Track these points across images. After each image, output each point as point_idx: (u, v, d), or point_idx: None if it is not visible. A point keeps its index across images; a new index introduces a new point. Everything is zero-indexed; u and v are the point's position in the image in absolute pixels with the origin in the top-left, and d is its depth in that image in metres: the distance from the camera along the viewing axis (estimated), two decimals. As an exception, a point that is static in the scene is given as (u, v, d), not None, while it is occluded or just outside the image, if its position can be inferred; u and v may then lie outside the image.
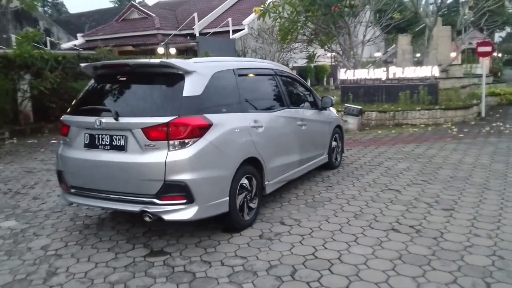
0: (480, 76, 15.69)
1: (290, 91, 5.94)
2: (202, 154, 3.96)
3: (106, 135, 4.11)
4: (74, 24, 36.08)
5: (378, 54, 31.26)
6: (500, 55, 43.10)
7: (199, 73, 4.20)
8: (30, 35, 12.78)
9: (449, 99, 13.64)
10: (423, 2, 16.51)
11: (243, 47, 24.29)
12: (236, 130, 4.43)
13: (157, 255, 4.01)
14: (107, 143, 4.10)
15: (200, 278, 3.53)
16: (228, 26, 24.43)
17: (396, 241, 4.11)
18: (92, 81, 4.64)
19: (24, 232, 4.69)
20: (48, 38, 24.69)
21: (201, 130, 3.99)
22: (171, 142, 3.87)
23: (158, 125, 3.87)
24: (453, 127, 11.39)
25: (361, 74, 13.69)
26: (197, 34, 23.77)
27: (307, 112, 6.09)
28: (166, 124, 3.85)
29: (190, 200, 3.89)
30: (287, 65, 26.21)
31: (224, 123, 4.25)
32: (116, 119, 3.98)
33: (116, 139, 4.06)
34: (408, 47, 19.63)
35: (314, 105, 6.41)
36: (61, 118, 4.53)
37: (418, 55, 27.02)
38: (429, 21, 15.17)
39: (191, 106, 3.99)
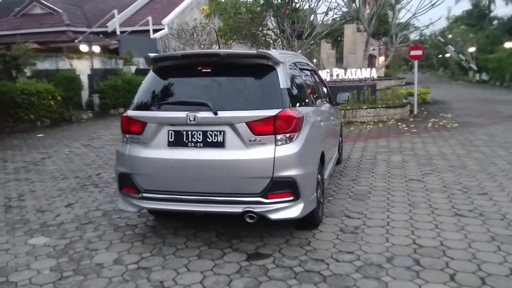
0: (402, 78, 17.04)
1: (321, 86, 5.96)
2: (304, 148, 3.80)
3: (197, 131, 3.72)
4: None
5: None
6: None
7: (285, 65, 4.02)
8: None
9: (381, 99, 14.63)
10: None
11: (164, 47, 23.53)
12: (315, 124, 4.33)
13: (258, 257, 3.75)
14: (200, 140, 3.72)
15: (330, 276, 3.39)
16: (146, 25, 23.44)
17: (473, 225, 4.32)
18: (153, 74, 4.16)
19: (71, 248, 4.07)
20: None
21: (301, 124, 3.82)
22: (278, 136, 3.64)
23: (265, 118, 3.61)
24: (398, 123, 12.25)
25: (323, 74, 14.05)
26: (118, 32, 22.46)
27: (330, 107, 6.13)
28: (274, 117, 3.62)
29: (296, 196, 3.70)
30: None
31: (307, 116, 4.12)
32: (216, 113, 3.63)
33: (211, 135, 3.69)
34: (331, 52, 20.68)
35: (330, 101, 6.47)
36: (128, 114, 3.98)
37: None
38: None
39: (287, 99, 3.80)
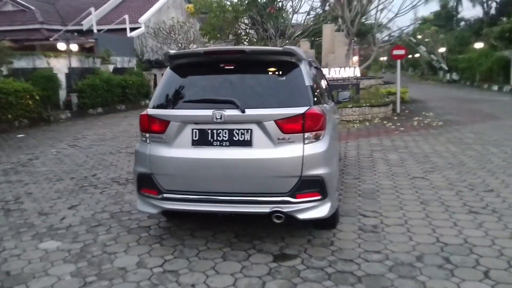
0: (381, 78, 17.23)
1: (326, 84, 5.94)
2: (330, 146, 3.76)
3: (223, 129, 3.62)
4: None
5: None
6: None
7: (306, 62, 3.96)
8: None
9: (363, 97, 14.78)
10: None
11: (141, 46, 23.12)
12: (334, 121, 4.30)
13: (285, 259, 3.68)
14: (226, 139, 3.62)
15: (364, 276, 3.35)
16: (123, 23, 22.96)
17: (490, 221, 4.37)
18: (170, 71, 4.02)
19: (88, 252, 3.90)
20: None
21: (326, 122, 3.77)
22: (306, 134, 3.58)
23: (294, 116, 3.55)
24: (384, 122, 12.40)
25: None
26: (95, 30, 21.90)
27: (334, 105, 6.11)
28: (302, 115, 3.56)
29: (324, 195, 3.65)
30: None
31: (328, 114, 4.08)
32: (243, 111, 3.53)
33: (238, 134, 3.60)
34: (310, 51, 20.75)
35: (332, 99, 6.45)
36: (148, 113, 3.84)
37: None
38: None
39: (312, 97, 3.75)
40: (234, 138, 3.60)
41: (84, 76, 16.83)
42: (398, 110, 14.70)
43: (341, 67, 14.65)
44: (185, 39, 24.24)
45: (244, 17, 13.25)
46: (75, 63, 16.95)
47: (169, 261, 3.68)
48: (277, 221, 3.64)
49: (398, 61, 14.98)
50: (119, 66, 20.38)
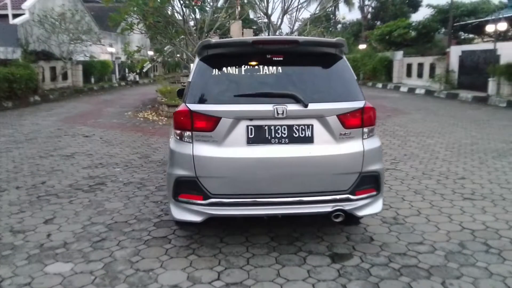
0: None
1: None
2: (380, 141, 3.72)
3: (282, 126, 3.34)
4: None
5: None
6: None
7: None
8: None
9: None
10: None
11: (25, 35, 20.70)
12: None
13: (342, 258, 3.56)
14: (285, 136, 3.35)
15: (431, 268, 3.37)
16: (4, 8, 20.35)
17: (489, 206, 4.74)
18: (202, 63, 3.60)
19: (117, 272, 3.35)
20: None
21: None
22: (364, 129, 3.49)
23: (354, 110, 3.43)
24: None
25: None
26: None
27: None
28: (361, 110, 3.46)
29: (378, 191, 3.60)
30: (70, 59, 23.73)
31: None
32: (306, 106, 3.30)
33: (298, 130, 3.35)
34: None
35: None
36: (191, 109, 3.36)
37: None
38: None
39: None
40: (294, 134, 3.35)
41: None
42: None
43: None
44: (80, 28, 22.35)
45: (167, 8, 12.55)
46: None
47: (222, 272, 3.31)
48: (337, 220, 3.49)
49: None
50: (2, 57, 18.01)
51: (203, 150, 3.33)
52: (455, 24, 23.82)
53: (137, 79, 33.05)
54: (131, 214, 4.62)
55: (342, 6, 49.53)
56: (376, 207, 3.60)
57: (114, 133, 10.22)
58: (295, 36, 3.85)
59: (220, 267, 3.40)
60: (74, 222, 4.40)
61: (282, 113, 3.27)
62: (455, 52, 20.65)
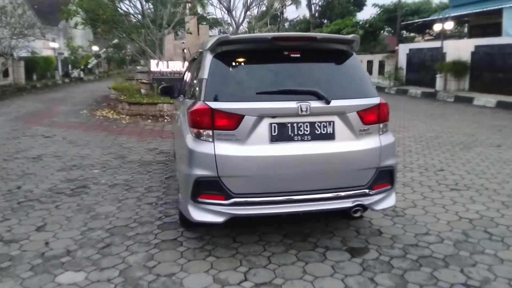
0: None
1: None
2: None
3: (304, 123, 3.33)
4: None
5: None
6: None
7: None
8: None
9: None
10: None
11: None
12: None
13: (361, 252, 3.61)
14: (307, 133, 3.34)
15: (446, 257, 3.50)
16: None
17: (476, 196, 4.99)
18: (215, 59, 3.50)
19: (136, 279, 3.21)
20: None
21: None
22: (380, 125, 3.57)
23: (373, 106, 3.49)
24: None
25: (176, 66, 13.49)
26: None
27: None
28: (378, 106, 3.52)
29: (392, 185, 3.70)
30: (11, 55, 22.47)
31: None
32: (328, 102, 3.31)
33: (320, 127, 3.36)
34: (177, 42, 20.19)
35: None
36: (211, 106, 3.25)
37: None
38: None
39: None
40: (316, 131, 3.35)
41: None
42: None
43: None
44: (20, 22, 21.13)
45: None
46: None
47: (248, 273, 3.27)
48: (356, 215, 3.56)
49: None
50: None
51: (226, 149, 3.25)
52: (402, 23, 24.85)
53: (82, 75, 31.77)
54: (129, 217, 4.44)
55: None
56: (391, 201, 3.68)
57: (77, 133, 9.77)
58: (314, 33, 3.83)
59: (243, 267, 3.34)
60: (69, 229, 4.16)
61: (306, 110, 3.26)
62: (403, 50, 21.56)
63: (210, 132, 3.28)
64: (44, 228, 4.19)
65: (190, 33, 15.59)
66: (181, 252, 3.61)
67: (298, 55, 3.52)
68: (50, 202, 4.96)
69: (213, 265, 3.39)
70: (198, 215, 3.38)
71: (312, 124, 3.34)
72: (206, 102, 3.30)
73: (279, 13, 51.66)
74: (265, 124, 3.27)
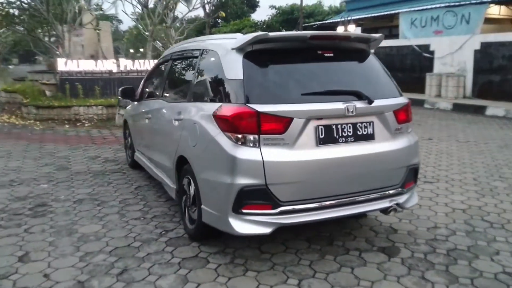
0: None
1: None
2: None
3: (347, 124, 3.22)
4: None
5: None
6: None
7: None
8: None
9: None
10: None
11: None
12: None
13: (395, 253, 3.58)
14: (350, 134, 3.24)
15: (471, 248, 3.65)
16: None
17: (462, 188, 5.28)
18: (246, 60, 3.23)
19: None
20: None
21: None
22: (409, 124, 3.62)
23: (405, 105, 3.53)
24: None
25: (87, 65, 12.45)
26: None
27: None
28: (407, 105, 3.57)
29: (416, 182, 3.78)
30: None
31: None
32: (371, 103, 3.26)
33: (361, 128, 3.28)
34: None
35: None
36: (257, 110, 2.96)
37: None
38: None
39: None
40: (358, 132, 3.28)
41: None
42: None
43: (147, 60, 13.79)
44: None
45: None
46: None
47: (301, 285, 3.08)
48: (390, 214, 3.56)
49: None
50: None
51: (274, 154, 3.02)
52: (304, 25, 25.86)
53: None
54: (125, 236, 3.95)
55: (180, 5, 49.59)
56: (415, 198, 3.75)
57: (-12, 143, 8.50)
58: (348, 32, 3.75)
59: (292, 279, 3.15)
60: (61, 256, 3.56)
61: (352, 111, 3.17)
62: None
63: (256, 137, 3.02)
64: (29, 257, 3.54)
65: (100, 30, 14.49)
66: (214, 270, 3.29)
67: (331, 54, 3.41)
68: (13, 226, 4.22)
69: (258, 280, 3.13)
70: (242, 227, 3.10)
71: (354, 125, 3.26)
72: (249, 105, 3.03)
73: (168, 11, 50.87)
74: (311, 126, 3.11)
